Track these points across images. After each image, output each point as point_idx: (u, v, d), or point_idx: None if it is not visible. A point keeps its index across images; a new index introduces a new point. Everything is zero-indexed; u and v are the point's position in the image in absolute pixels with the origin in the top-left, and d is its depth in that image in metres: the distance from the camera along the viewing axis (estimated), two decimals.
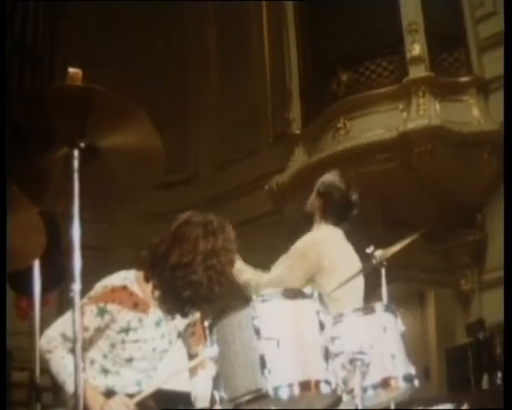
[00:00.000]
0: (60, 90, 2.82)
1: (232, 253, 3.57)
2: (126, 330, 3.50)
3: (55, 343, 3.43)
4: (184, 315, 3.60)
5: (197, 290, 3.46)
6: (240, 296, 3.18)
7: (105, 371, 3.50)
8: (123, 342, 3.51)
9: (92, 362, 3.51)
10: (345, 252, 4.98)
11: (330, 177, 5.28)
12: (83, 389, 2.74)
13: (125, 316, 3.50)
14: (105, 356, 3.52)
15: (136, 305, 3.52)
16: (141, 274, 3.58)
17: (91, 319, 3.43)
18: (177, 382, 3.62)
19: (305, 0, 9.88)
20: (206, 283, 3.45)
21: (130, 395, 3.48)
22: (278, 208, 9.71)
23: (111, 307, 3.46)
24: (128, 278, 3.56)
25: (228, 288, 3.55)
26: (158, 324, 3.60)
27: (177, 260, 3.47)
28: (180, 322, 3.70)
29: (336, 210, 5.13)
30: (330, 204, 5.14)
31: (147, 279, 3.55)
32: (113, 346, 3.52)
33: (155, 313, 3.59)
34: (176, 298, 3.50)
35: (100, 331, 3.49)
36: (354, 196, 5.19)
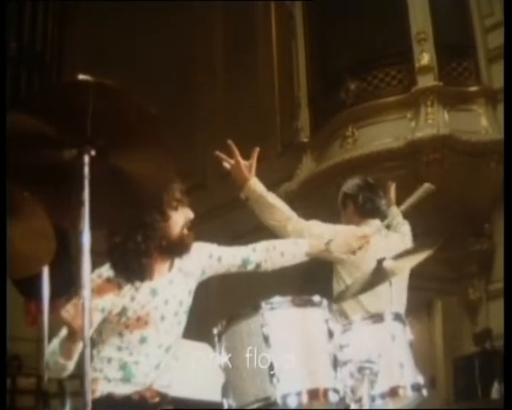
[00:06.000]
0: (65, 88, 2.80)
1: (166, 195, 3.52)
2: (124, 312, 3.46)
3: None
4: (140, 278, 3.50)
5: (123, 251, 3.45)
6: (248, 304, 3.16)
7: (123, 366, 3.45)
8: (127, 326, 3.47)
9: (109, 360, 3.46)
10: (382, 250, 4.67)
11: (348, 183, 5.28)
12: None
13: (115, 301, 3.45)
14: (119, 348, 3.47)
15: (121, 287, 3.48)
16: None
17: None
18: (206, 391, 3.60)
19: (313, 9, 9.90)
20: (127, 239, 3.45)
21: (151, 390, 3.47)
22: None
23: (102, 304, 3.43)
24: (103, 270, 3.53)
25: (161, 237, 3.51)
26: (153, 292, 3.53)
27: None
28: (178, 288, 3.64)
29: (368, 201, 5.12)
30: (360, 200, 5.12)
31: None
32: (121, 335, 3.47)
33: (143, 285, 3.54)
34: (117, 267, 3.48)
35: (105, 328, 3.48)
36: (371, 182, 5.24)
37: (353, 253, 4.10)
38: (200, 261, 3.74)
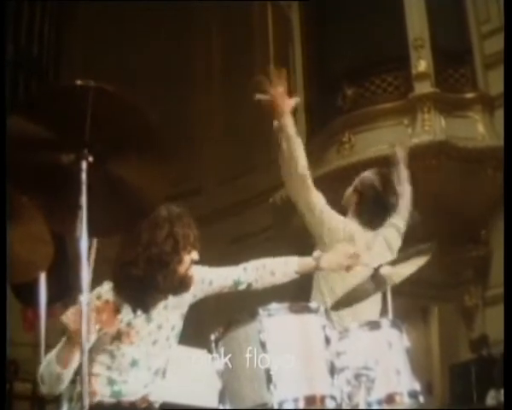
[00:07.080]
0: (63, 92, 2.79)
1: (183, 239, 3.53)
2: (118, 336, 3.47)
3: None
4: (145, 310, 3.54)
5: (139, 284, 3.45)
6: (245, 309, 3.16)
7: (112, 382, 3.47)
8: (119, 349, 3.49)
9: (97, 375, 3.47)
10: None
11: (370, 176, 5.16)
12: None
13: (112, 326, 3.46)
14: (109, 368, 3.48)
15: (119, 311, 3.46)
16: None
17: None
18: (203, 398, 3.58)
19: (310, 14, 9.91)
20: (147, 275, 3.45)
21: (140, 399, 3.48)
22: (282, 222, 9.71)
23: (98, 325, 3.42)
24: (103, 291, 3.53)
25: (173, 277, 3.51)
26: (149, 319, 3.55)
27: (121, 256, 3.50)
28: (171, 313, 3.65)
29: (369, 209, 5.02)
30: (364, 202, 5.05)
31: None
32: (112, 356, 3.48)
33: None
34: (126, 295, 3.49)
35: (96, 348, 3.47)
36: (392, 199, 5.12)
37: (345, 270, 4.06)
38: (192, 286, 3.74)
